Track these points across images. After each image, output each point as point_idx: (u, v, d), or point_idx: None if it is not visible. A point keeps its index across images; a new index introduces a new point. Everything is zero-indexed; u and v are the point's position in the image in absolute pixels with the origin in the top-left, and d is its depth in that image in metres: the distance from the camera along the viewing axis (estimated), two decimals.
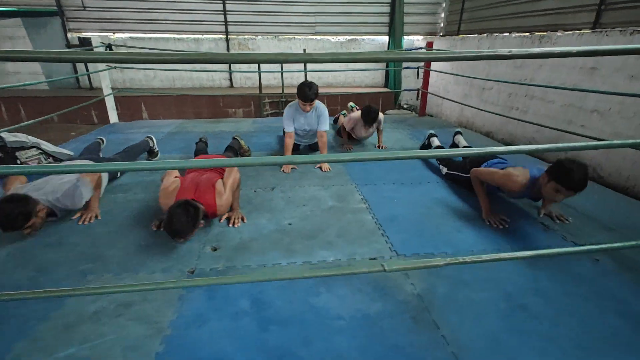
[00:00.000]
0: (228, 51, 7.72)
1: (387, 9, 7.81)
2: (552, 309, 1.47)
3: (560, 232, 2.08)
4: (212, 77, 8.01)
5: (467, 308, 1.46)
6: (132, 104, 7.06)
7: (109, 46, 4.92)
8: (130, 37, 7.48)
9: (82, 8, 7.18)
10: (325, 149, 3.25)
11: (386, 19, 7.91)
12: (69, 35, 7.25)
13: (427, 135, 3.50)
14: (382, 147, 3.83)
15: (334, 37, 7.95)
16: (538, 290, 1.57)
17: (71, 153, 3.25)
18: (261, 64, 6.85)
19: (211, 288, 1.57)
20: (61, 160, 3.13)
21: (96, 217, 2.24)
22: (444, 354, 1.24)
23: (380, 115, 3.72)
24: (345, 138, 3.91)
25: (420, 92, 5.70)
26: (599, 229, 2.13)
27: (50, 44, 7.35)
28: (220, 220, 2.19)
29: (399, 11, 7.66)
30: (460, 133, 3.53)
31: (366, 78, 8.47)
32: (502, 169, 2.20)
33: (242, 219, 2.21)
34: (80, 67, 7.48)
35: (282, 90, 7.02)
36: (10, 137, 3.09)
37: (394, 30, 7.80)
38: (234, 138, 3.44)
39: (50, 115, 3.91)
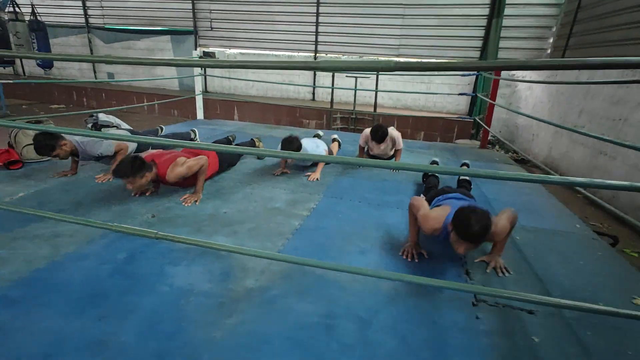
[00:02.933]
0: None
1: (480, 32, 7.29)
2: (359, 337, 1.36)
3: (480, 283, 1.78)
4: (297, 90, 8.83)
5: (271, 306, 1.48)
6: (228, 106, 8.39)
7: (206, 55, 6.10)
8: (240, 52, 8.92)
9: (210, 29, 8.95)
10: (320, 165, 3.37)
11: (478, 43, 7.38)
12: (198, 49, 9.10)
13: (429, 162, 3.27)
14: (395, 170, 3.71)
15: (418, 59, 7.81)
16: (363, 319, 1.46)
17: (139, 131, 4.24)
18: (336, 81, 7.28)
19: (114, 239, 1.98)
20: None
21: (110, 179, 2.96)
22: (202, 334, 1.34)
23: (395, 133, 3.63)
24: (360, 154, 3.93)
25: (475, 121, 5.16)
26: (536, 291, 1.73)
27: (185, 55, 9.37)
28: (181, 199, 2.62)
29: (495, 35, 7.04)
30: (467, 165, 3.17)
31: (449, 104, 8.00)
32: (438, 206, 2.01)
33: (196, 201, 2.59)
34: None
35: (354, 107, 7.30)
36: (103, 117, 4.22)
37: (487, 55, 7.20)
38: (251, 139, 3.90)
39: (132, 105, 5.12)
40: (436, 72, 7.67)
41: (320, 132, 4.57)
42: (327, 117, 7.81)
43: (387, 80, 8.00)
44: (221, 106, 8.43)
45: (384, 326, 1.43)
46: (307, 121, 8.01)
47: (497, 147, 7.18)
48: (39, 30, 7.95)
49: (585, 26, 5.67)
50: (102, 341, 1.29)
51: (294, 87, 8.78)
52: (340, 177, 3.40)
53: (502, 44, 7.09)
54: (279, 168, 3.39)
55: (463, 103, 7.90)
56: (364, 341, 1.35)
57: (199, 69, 6.35)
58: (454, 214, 1.68)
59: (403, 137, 4.78)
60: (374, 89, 6.87)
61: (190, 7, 8.85)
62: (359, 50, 8.09)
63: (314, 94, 8.77)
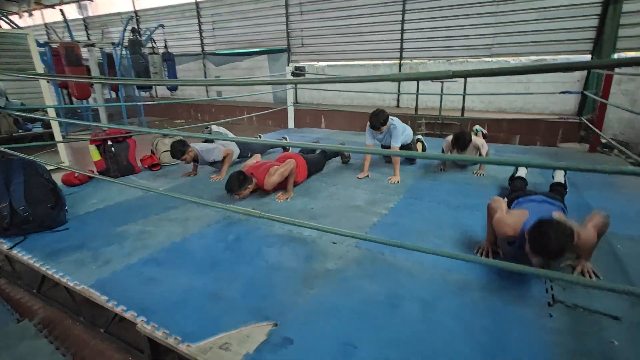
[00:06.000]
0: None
1: (592, 22, 6.43)
2: (421, 317, 1.50)
3: (559, 284, 1.73)
4: (383, 97, 8.98)
5: (345, 284, 1.72)
6: (316, 116, 9.01)
7: (297, 69, 6.75)
8: (327, 65, 9.50)
9: (301, 45, 9.76)
10: (397, 164, 3.52)
11: (590, 34, 6.51)
12: (290, 64, 9.99)
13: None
14: (480, 173, 3.63)
15: (515, 58, 7.24)
16: (428, 303, 1.58)
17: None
18: (421, 87, 7.25)
19: (225, 225, 2.47)
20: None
21: (221, 179, 3.60)
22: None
23: (480, 141, 3.60)
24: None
25: (581, 122, 4.59)
26: (629, 301, 1.61)
27: (279, 70, 10.37)
28: (276, 197, 3.06)
29: (613, 23, 6.16)
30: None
31: (553, 104, 7.18)
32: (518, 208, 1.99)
33: (287, 199, 3.00)
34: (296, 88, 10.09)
35: (440, 113, 7.15)
36: (215, 128, 5.07)
37: (602, 47, 6.32)
38: (337, 145, 4.23)
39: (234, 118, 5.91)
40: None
41: None
42: (411, 123, 7.76)
43: (478, 83, 7.60)
44: (310, 116, 9.08)
45: (447, 311, 1.54)
46: None
47: (615, 151, 6.18)
48: (170, 60, 9.76)
49: None
50: (218, 294, 1.70)
51: (379, 94, 8.95)
52: (421, 180, 3.48)
53: (621, 32, 6.15)
54: (362, 172, 3.62)
55: (571, 103, 7.00)
56: (425, 320, 1.49)
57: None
58: (531, 225, 1.66)
59: (496, 142, 4.59)
60: (462, 92, 6.64)
61: (284, 28, 9.79)
62: (446, 54, 7.87)
63: (398, 100, 8.80)
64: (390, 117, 3.56)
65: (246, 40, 10.71)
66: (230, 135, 4.93)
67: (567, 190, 2.76)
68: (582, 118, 4.68)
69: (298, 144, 2.63)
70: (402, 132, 3.56)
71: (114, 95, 11.24)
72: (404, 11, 8.07)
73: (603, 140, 6.49)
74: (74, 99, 9.03)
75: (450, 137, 3.68)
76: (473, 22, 7.42)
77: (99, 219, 2.65)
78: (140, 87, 8.80)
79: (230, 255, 2.07)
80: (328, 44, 9.27)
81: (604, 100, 4.14)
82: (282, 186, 3.13)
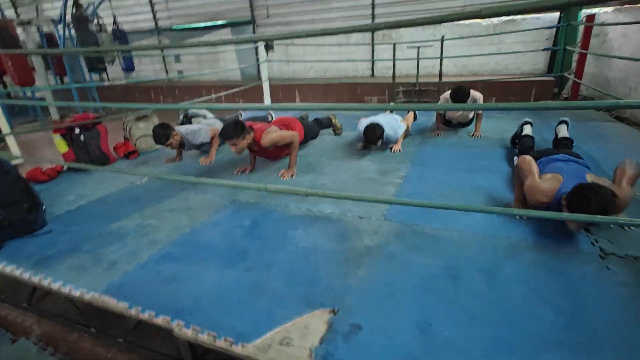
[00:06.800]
0: (372, 43, 8.27)
1: None
2: (486, 286, 1.42)
3: (601, 237, 1.71)
4: (356, 67, 8.75)
5: (393, 260, 1.60)
6: (289, 90, 8.63)
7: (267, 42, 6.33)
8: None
9: (267, 16, 9.17)
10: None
11: None
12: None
13: (521, 123, 3.11)
14: (477, 135, 3.59)
15: (485, 19, 7.23)
16: (487, 270, 1.51)
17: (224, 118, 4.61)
18: (397, 53, 7.08)
19: (235, 210, 2.24)
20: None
21: (210, 162, 3.30)
22: (339, 289, 1.50)
23: (477, 95, 3.48)
24: (438, 123, 3.86)
25: (562, 78, 4.69)
26: None
27: (245, 45, 9.74)
28: (279, 174, 2.84)
29: None
30: (530, 123, 2.95)
31: (524, 64, 7.34)
32: (546, 172, 1.93)
33: (292, 175, 2.80)
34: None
35: (417, 79, 7.06)
36: (192, 110, 4.66)
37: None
38: (327, 116, 4.03)
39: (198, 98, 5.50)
40: (507, 31, 7.06)
41: (392, 104, 4.55)
42: (389, 92, 7.66)
43: (452, 47, 7.56)
44: (283, 91, 8.69)
45: (510, 277, 1.47)
46: (369, 97, 7.93)
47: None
48: (121, 38, 8.82)
49: None
50: (257, 286, 1.52)
51: (352, 64, 8.71)
52: (422, 146, 3.39)
53: None
54: (360, 143, 3.46)
55: (541, 61, 7.19)
56: (492, 288, 1.41)
57: (264, 57, 6.61)
58: (572, 191, 1.61)
59: None
60: (439, 56, 6.55)
61: None
62: (420, 16, 7.72)
63: (373, 69, 8.62)
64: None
65: (206, 12, 9.89)
66: (210, 115, 4.56)
67: (574, 144, 2.78)
68: (566, 74, 4.77)
69: (295, 106, 2.41)
70: (396, 127, 3.35)
71: (59, 82, 10.09)
72: None
73: (580, 94, 6.74)
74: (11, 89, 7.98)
75: (447, 93, 3.57)
76: None
77: (84, 217, 2.31)
78: (92, 69, 7.91)
79: (255, 243, 1.87)
80: (296, 13, 8.77)
81: (584, 51, 4.22)
82: (278, 154, 2.92)
